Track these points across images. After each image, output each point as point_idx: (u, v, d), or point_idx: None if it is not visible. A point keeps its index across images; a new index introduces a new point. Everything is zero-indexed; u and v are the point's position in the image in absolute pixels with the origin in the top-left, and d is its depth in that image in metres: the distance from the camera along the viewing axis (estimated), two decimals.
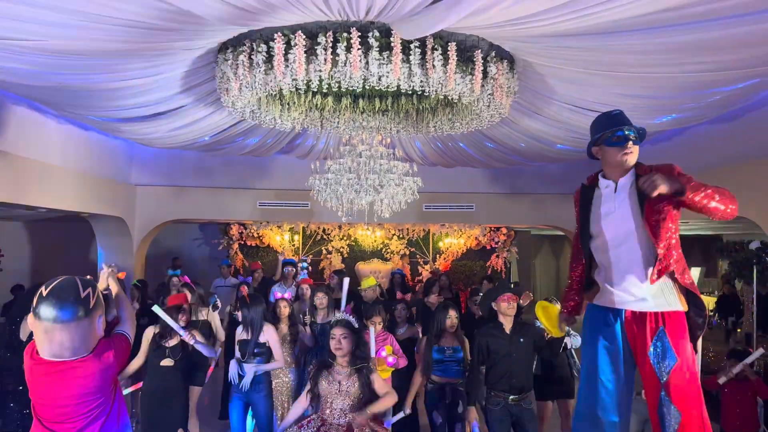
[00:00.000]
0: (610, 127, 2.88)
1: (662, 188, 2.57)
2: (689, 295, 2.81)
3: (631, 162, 2.87)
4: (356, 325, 3.95)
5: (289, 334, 5.53)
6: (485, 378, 4.66)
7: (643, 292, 2.77)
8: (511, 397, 4.49)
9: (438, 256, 13.03)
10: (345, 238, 12.93)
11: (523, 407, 4.52)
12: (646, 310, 2.78)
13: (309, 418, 3.70)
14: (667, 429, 2.65)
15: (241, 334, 5.00)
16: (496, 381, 4.57)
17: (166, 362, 4.76)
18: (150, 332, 4.87)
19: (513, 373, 4.50)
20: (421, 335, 6.05)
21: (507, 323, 4.60)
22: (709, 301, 14.55)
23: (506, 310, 4.58)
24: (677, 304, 2.78)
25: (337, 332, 3.81)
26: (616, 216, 2.86)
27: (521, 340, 4.55)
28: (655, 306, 2.77)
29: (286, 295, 5.95)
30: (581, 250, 3.08)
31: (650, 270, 2.75)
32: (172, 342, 4.84)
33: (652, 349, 2.71)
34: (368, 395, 3.72)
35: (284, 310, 5.61)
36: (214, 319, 6.43)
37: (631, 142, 2.84)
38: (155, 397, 4.78)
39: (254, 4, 4.07)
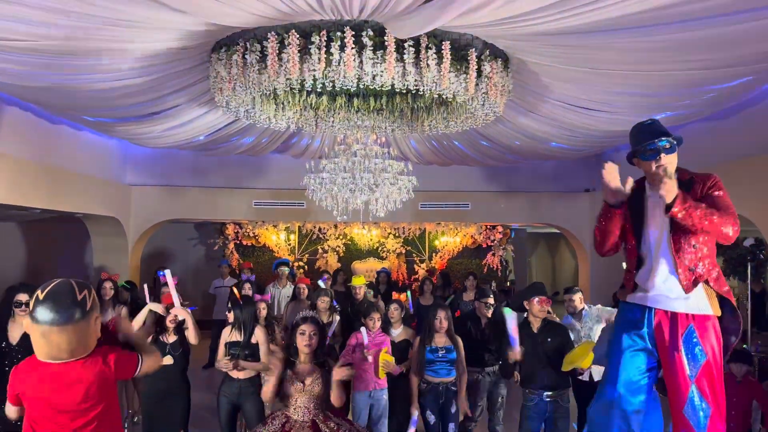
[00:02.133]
0: (642, 141, 2.90)
1: (668, 189, 2.64)
2: (724, 301, 2.92)
3: (668, 172, 2.86)
4: (321, 323, 3.94)
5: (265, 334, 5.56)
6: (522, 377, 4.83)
7: (678, 295, 2.87)
8: (546, 393, 4.62)
9: (434, 254, 13.03)
10: (341, 237, 12.91)
11: (558, 404, 4.64)
12: (678, 311, 2.87)
13: (273, 415, 3.73)
14: (699, 423, 2.76)
15: (231, 335, 4.99)
16: (527, 378, 4.74)
17: (167, 360, 4.65)
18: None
19: (542, 370, 4.60)
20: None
21: (535, 323, 4.76)
22: None
23: (537, 312, 4.75)
24: (708, 309, 2.87)
25: (308, 329, 3.71)
26: (657, 222, 2.92)
27: (549, 339, 4.66)
28: (686, 308, 2.87)
29: (266, 297, 5.96)
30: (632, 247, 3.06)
31: (683, 279, 2.85)
32: (171, 338, 4.77)
33: (683, 347, 2.81)
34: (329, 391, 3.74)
35: (262, 312, 5.61)
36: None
37: (663, 154, 2.86)
38: (157, 397, 4.71)
39: (253, 3, 4.06)
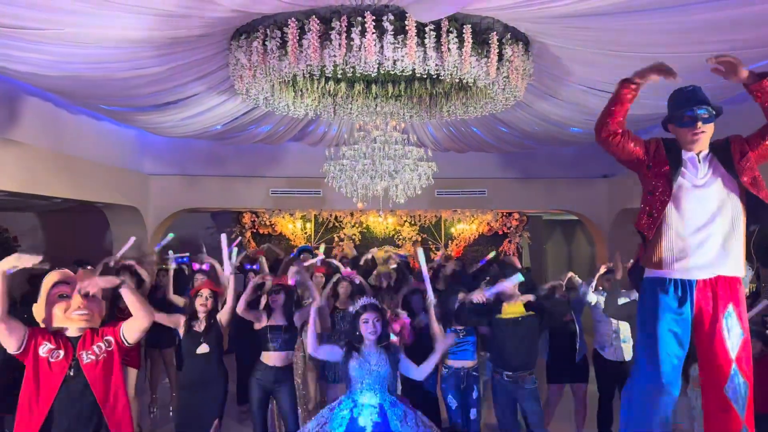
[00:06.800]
0: (681, 107, 2.81)
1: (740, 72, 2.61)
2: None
3: (703, 142, 2.81)
4: (381, 307, 4.02)
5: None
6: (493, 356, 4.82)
7: (723, 258, 2.74)
8: (505, 373, 4.55)
9: (450, 242, 13.01)
10: (357, 225, 12.93)
11: (519, 385, 4.54)
12: (718, 275, 2.74)
13: (340, 400, 3.75)
14: (739, 402, 2.69)
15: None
16: (494, 357, 4.75)
17: (203, 349, 4.54)
18: (181, 319, 4.65)
19: (508, 351, 4.54)
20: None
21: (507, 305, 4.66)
22: None
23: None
24: (741, 269, 2.77)
25: (371, 316, 3.81)
26: (709, 190, 2.78)
27: (519, 319, 4.57)
28: (728, 270, 2.75)
29: (290, 282, 5.96)
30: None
31: (740, 230, 2.74)
32: (204, 326, 4.60)
33: (724, 325, 2.72)
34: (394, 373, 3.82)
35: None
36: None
37: (701, 122, 2.78)
38: (193, 387, 4.57)
39: None
